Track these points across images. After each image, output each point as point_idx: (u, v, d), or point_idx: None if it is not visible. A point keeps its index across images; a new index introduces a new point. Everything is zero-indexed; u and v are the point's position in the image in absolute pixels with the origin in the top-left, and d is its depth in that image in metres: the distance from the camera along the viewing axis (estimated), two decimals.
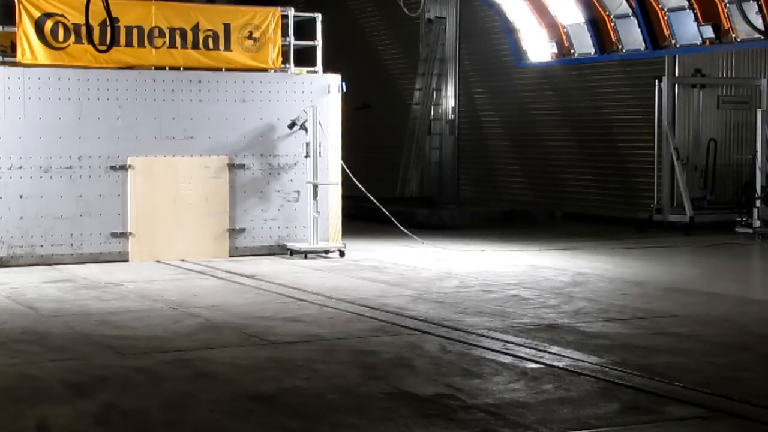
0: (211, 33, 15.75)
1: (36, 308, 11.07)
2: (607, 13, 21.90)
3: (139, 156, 15.13)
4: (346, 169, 16.19)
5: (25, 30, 14.69)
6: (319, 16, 16.58)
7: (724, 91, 20.65)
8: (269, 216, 15.80)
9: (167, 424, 6.81)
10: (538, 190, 24.21)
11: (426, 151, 26.63)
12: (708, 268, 14.88)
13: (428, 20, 26.34)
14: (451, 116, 26.71)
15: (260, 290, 12.45)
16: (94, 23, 14.33)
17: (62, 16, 14.83)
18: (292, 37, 16.31)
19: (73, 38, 14.89)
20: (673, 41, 20.72)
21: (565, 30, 22.96)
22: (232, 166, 15.64)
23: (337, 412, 7.03)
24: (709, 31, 19.89)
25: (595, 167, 22.81)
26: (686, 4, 20.19)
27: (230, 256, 15.39)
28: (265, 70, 16.12)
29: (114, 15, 14.01)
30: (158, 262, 14.81)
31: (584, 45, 22.60)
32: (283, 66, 16.23)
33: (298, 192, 15.97)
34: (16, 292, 12.21)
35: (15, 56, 14.79)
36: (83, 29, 14.46)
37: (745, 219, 18.39)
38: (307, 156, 15.58)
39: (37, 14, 14.75)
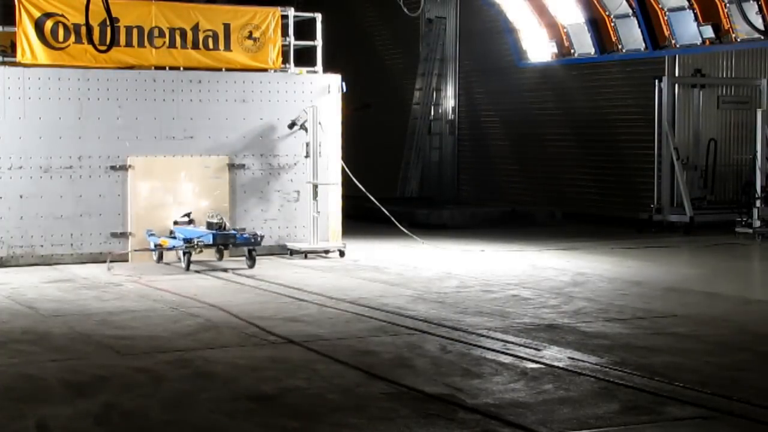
0: (211, 33, 15.75)
1: (36, 308, 11.07)
2: (607, 13, 21.90)
3: (139, 156, 15.14)
4: (346, 169, 16.19)
5: (25, 30, 14.70)
6: (319, 16, 16.59)
7: (724, 91, 20.66)
8: (269, 216, 15.80)
9: (167, 424, 6.81)
10: (538, 190, 24.20)
11: (426, 151, 26.64)
12: (708, 268, 14.88)
13: (428, 20, 26.36)
14: (451, 116, 26.71)
15: (260, 290, 12.45)
16: (94, 23, 14.31)
17: (62, 16, 14.84)
18: (292, 37, 16.32)
19: (73, 38, 14.90)
20: (673, 41, 20.73)
21: (565, 30, 22.97)
22: (232, 166, 15.65)
23: (337, 412, 7.03)
24: (709, 31, 19.91)
25: (595, 167, 22.82)
26: (686, 4, 20.20)
27: (230, 256, 15.37)
28: (265, 70, 16.12)
29: (114, 15, 13.97)
30: (158, 262, 14.80)
31: (584, 45, 22.61)
32: (283, 66, 16.24)
33: (298, 192, 15.97)
34: (16, 292, 12.21)
35: (15, 56, 14.80)
36: (83, 29, 14.46)
37: (745, 219, 18.39)
38: (307, 156, 15.59)
39: (37, 14, 14.76)
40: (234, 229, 14.61)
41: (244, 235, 14.34)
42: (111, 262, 14.09)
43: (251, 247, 14.33)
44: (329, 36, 17.07)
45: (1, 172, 14.45)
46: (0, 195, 14.45)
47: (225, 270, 14.02)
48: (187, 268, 13.93)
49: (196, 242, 14.18)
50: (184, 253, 14.10)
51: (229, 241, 14.35)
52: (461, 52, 26.53)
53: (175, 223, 14.93)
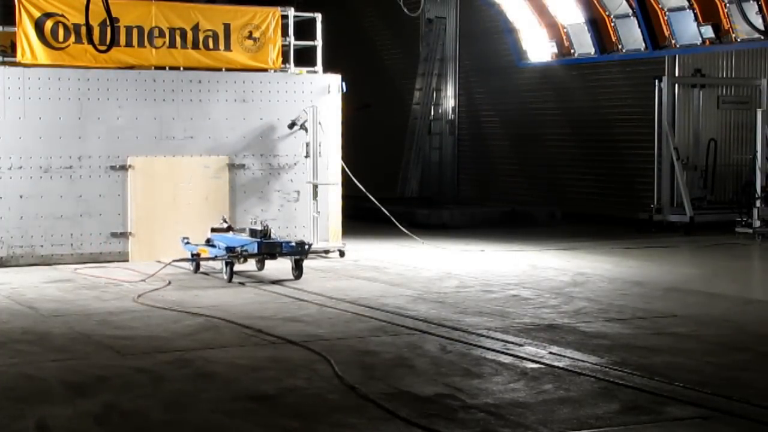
0: (211, 33, 15.76)
1: (36, 308, 11.07)
2: (607, 13, 21.90)
3: (139, 156, 15.14)
4: (346, 169, 16.19)
5: (25, 30, 14.70)
6: (319, 16, 16.60)
7: (724, 91, 20.65)
8: (269, 216, 15.78)
9: (167, 424, 6.81)
10: (538, 190, 24.21)
11: (426, 151, 26.64)
12: (708, 268, 14.88)
13: (428, 20, 26.36)
14: (451, 116, 26.71)
15: (260, 290, 12.45)
16: (94, 23, 14.30)
17: (62, 16, 14.84)
18: (292, 37, 16.32)
19: (73, 38, 14.91)
20: (673, 41, 20.73)
21: (565, 30, 22.97)
22: (232, 166, 15.65)
23: (337, 412, 7.03)
24: (709, 31, 19.91)
25: (595, 167, 22.82)
26: (686, 4, 20.20)
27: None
28: (265, 70, 16.13)
29: (114, 15, 13.96)
30: (158, 262, 14.78)
31: (584, 45, 22.61)
32: (283, 66, 16.24)
33: (298, 192, 15.98)
34: (16, 292, 12.21)
35: (15, 56, 14.80)
36: (83, 29, 14.46)
37: (745, 219, 18.39)
38: (307, 156, 15.59)
39: (37, 14, 14.76)
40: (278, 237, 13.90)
41: (291, 244, 13.38)
42: (108, 263, 14.08)
43: (298, 257, 13.26)
44: (329, 36, 17.07)
45: (1, 172, 14.46)
46: (0, 195, 14.45)
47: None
48: (230, 280, 12.93)
49: (240, 251, 13.16)
50: (226, 264, 13.06)
51: (276, 250, 13.26)
52: (461, 52, 26.53)
53: (213, 230, 14.12)
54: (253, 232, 13.69)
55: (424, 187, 26.45)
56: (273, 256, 13.42)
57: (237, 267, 13.36)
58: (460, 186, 26.63)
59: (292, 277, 13.17)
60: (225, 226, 14.25)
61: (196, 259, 13.79)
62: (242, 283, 12.88)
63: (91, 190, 14.88)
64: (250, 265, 13.90)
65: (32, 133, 14.59)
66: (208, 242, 13.93)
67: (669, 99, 19.97)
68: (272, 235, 13.62)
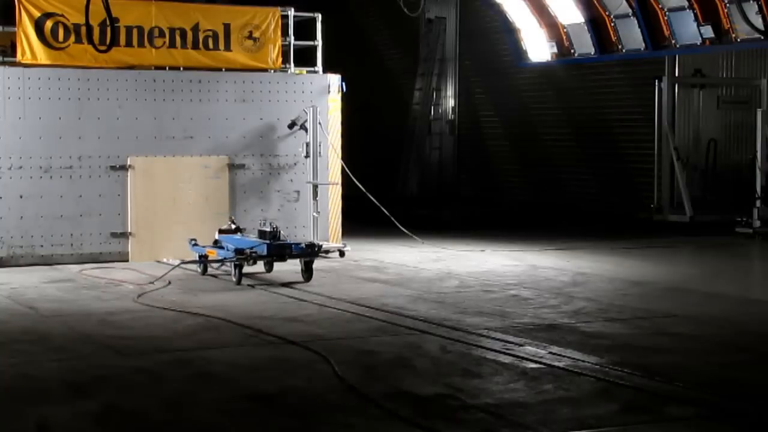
0: (211, 33, 15.76)
1: (36, 308, 11.07)
2: (607, 13, 21.90)
3: (139, 156, 15.14)
4: (346, 169, 16.19)
5: (25, 30, 14.70)
6: (319, 16, 16.60)
7: (724, 91, 20.66)
8: (269, 216, 15.76)
9: (167, 424, 6.81)
10: (538, 189, 24.21)
11: (426, 151, 26.64)
12: (708, 268, 14.88)
13: (428, 20, 26.35)
14: (451, 116, 26.71)
15: (260, 290, 12.45)
16: (94, 23, 14.33)
17: (62, 16, 14.83)
18: (292, 37, 16.32)
19: (73, 38, 14.90)
20: (673, 41, 20.73)
21: (565, 30, 22.97)
22: (232, 166, 15.65)
23: (337, 412, 7.03)
24: (709, 31, 19.91)
25: (596, 167, 22.82)
26: (686, 4, 20.20)
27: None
28: (265, 70, 16.13)
29: (114, 15, 14.01)
30: (158, 262, 14.79)
31: (584, 45, 22.61)
32: (283, 66, 16.24)
33: (298, 192, 15.98)
34: (16, 292, 12.21)
35: (15, 56, 14.80)
36: (83, 29, 14.47)
37: (745, 219, 18.40)
38: (307, 156, 15.59)
39: (37, 14, 14.76)
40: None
41: (301, 245, 13.15)
42: (108, 263, 14.05)
43: (308, 259, 13.06)
44: (329, 36, 17.07)
45: (1, 172, 14.45)
46: (0, 195, 14.45)
47: (225, 270, 13.97)
48: (239, 282, 12.75)
49: (249, 253, 12.92)
50: (235, 266, 12.86)
51: (285, 252, 13.04)
52: (461, 52, 26.53)
53: (220, 231, 13.96)
54: (262, 234, 13.50)
55: (423, 187, 26.44)
56: (283, 258, 13.21)
57: (244, 269, 13.27)
58: (460, 186, 26.62)
59: (300, 278, 13.05)
60: (233, 227, 14.14)
61: (204, 261, 13.69)
62: (252, 285, 12.85)
63: (91, 190, 14.88)
64: (257, 266, 13.88)
65: (32, 133, 14.59)
66: (216, 244, 13.80)
67: (669, 99, 19.98)
68: (281, 237, 13.45)
